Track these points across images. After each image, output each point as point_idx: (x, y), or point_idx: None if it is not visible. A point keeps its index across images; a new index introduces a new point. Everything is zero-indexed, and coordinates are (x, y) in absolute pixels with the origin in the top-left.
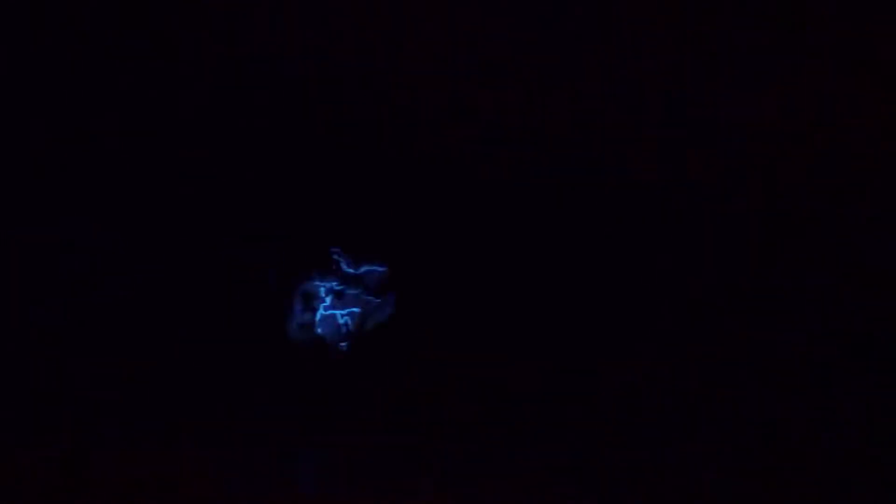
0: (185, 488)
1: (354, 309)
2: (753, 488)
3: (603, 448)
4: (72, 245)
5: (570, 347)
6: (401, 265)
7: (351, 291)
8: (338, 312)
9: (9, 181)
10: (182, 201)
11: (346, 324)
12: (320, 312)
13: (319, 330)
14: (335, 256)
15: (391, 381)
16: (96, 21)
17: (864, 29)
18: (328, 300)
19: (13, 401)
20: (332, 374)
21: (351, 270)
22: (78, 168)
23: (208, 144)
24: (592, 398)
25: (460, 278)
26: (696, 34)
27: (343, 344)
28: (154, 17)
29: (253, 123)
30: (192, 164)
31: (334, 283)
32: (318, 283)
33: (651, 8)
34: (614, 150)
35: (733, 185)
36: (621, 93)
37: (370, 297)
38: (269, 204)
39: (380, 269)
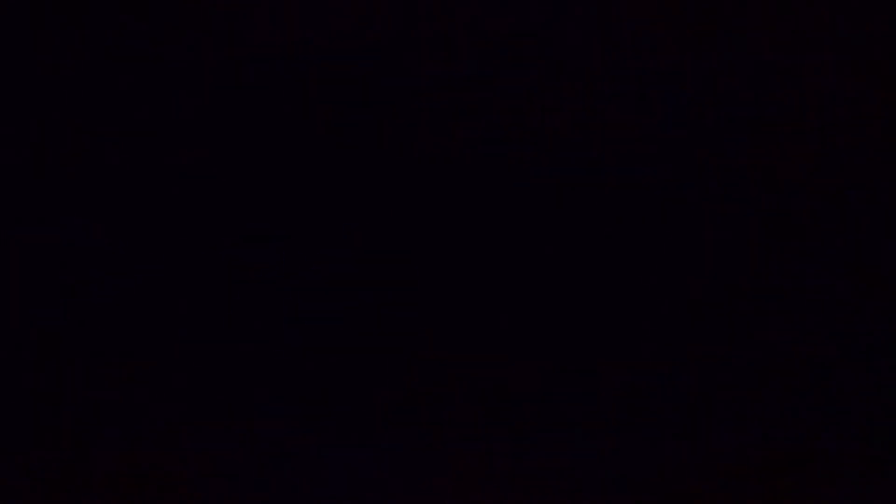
0: (185, 488)
1: None
2: (753, 488)
3: (603, 448)
4: (72, 245)
5: (570, 347)
6: (401, 265)
7: None
8: None
9: (9, 181)
10: (182, 201)
11: None
12: None
13: None
14: None
15: (391, 381)
16: (96, 20)
17: (865, 29)
18: None
19: (13, 401)
20: (333, 373)
21: None
22: (78, 168)
23: (208, 144)
24: (592, 398)
25: (460, 278)
26: (696, 33)
27: None
28: (154, 17)
29: (253, 123)
30: (192, 164)
31: None
32: None
33: (652, 7)
34: (614, 150)
35: (733, 185)
36: (621, 92)
37: None
38: (269, 204)
39: None
